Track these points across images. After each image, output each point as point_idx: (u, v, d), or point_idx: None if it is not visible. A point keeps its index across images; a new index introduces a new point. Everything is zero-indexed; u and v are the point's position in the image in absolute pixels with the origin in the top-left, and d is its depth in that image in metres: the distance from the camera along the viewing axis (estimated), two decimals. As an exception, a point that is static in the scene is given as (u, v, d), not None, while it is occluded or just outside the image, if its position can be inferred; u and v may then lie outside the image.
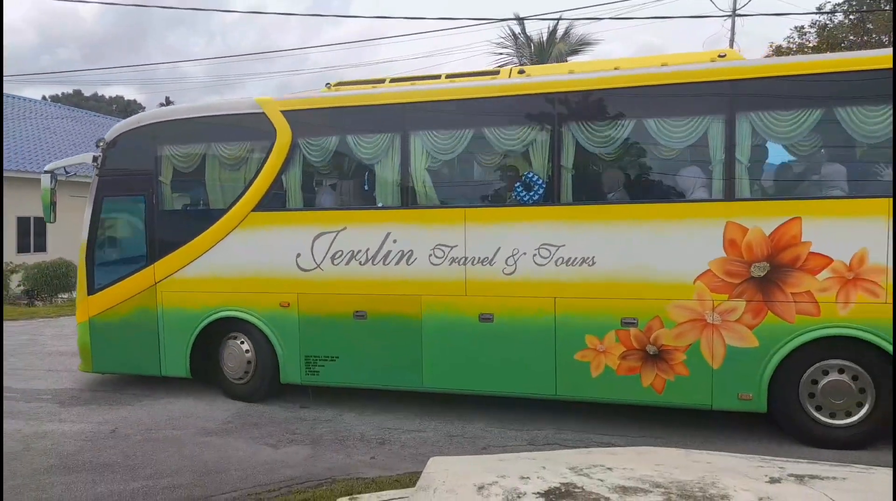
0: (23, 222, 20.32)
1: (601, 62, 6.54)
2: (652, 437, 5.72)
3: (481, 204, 6.65)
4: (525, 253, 6.08)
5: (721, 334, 5.63)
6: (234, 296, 7.00)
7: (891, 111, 5.18)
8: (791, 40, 19.21)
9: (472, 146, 6.45)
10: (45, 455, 5.25)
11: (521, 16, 16.17)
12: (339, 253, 6.65)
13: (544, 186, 6.13)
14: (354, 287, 6.61)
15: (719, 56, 6.06)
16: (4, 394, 6.98)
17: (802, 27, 18.82)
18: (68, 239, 21.58)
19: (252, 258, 6.92)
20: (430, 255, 6.36)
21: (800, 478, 2.72)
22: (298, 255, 6.76)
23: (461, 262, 6.28)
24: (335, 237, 6.66)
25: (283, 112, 6.83)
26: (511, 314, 6.16)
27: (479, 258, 6.23)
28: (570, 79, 6.18)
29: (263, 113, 6.88)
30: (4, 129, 22.30)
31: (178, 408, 6.56)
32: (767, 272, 5.49)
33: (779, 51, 18.94)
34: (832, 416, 5.46)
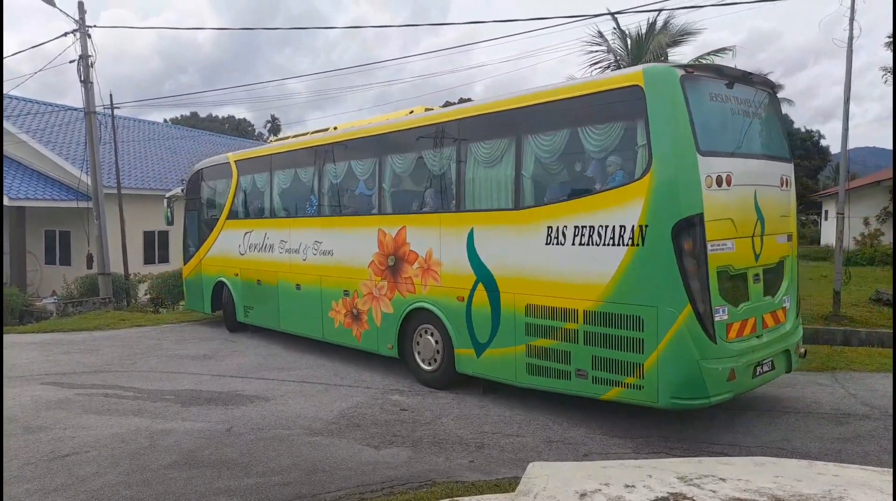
0: (148, 236, 22.05)
1: (352, 124, 9.49)
2: (771, 449, 5.34)
3: (296, 216, 10.08)
4: (309, 246, 9.45)
5: (379, 303, 8.25)
6: (222, 268, 11.70)
7: (426, 154, 7.65)
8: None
9: (294, 180, 10.04)
10: (169, 451, 5.60)
11: (614, 11, 15.65)
12: (252, 245, 10.82)
13: (316, 204, 9.49)
14: (256, 265, 10.73)
15: (409, 112, 8.43)
16: (134, 395, 7.59)
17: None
18: (188, 251, 23.16)
19: (226, 247, 11.53)
20: (279, 247, 10.11)
21: (946, 496, 2.44)
22: (239, 245, 11.12)
23: (289, 251, 9.88)
24: (249, 235, 10.89)
25: (234, 161, 11.38)
26: (307, 285, 9.57)
27: (294, 249, 9.78)
28: (318, 137, 9.59)
29: (228, 162, 11.48)
30: (133, 150, 24.34)
31: (288, 409, 6.83)
32: (394, 263, 7.96)
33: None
34: (425, 362, 7.74)
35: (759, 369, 5.74)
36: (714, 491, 2.89)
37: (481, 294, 6.85)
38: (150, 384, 8.10)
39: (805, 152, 50.87)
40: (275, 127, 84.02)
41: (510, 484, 4.55)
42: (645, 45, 16.29)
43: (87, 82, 15.85)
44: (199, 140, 31.25)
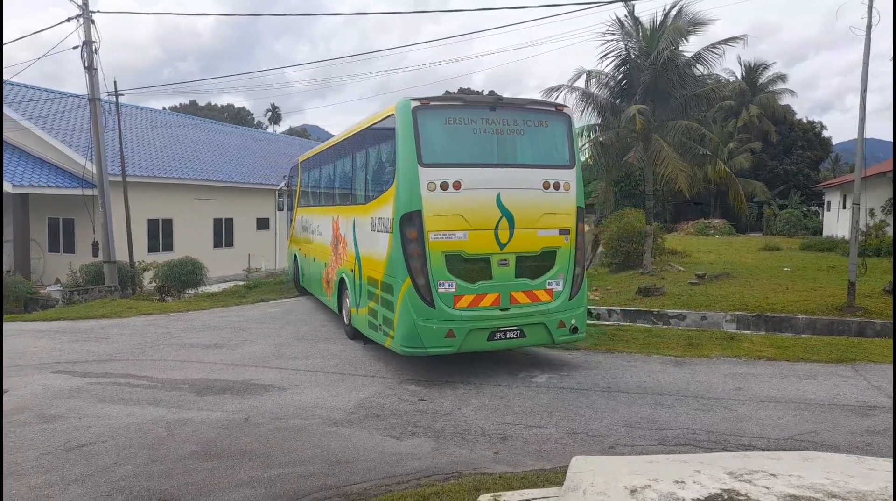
0: (152, 224, 21.94)
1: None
2: (800, 441, 5.28)
3: (314, 206, 12.95)
4: (317, 229, 12.19)
5: (332, 272, 10.70)
6: (296, 245, 15.01)
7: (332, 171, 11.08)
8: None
9: (315, 179, 12.97)
10: (188, 441, 5.54)
11: (626, -1, 15.44)
12: (303, 227, 13.83)
13: (320, 197, 12.41)
14: (304, 243, 13.71)
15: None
16: (148, 384, 7.53)
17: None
18: (192, 239, 23.06)
19: (297, 228, 14.66)
20: (310, 229, 12.98)
21: None
22: (299, 226, 14.33)
23: (312, 233, 12.75)
24: (303, 219, 13.92)
25: (300, 161, 14.53)
26: (316, 257, 12.41)
27: (313, 230, 12.62)
28: (321, 145, 12.62)
29: (297, 163, 14.85)
30: (135, 138, 24.16)
31: (304, 399, 6.77)
32: (336, 243, 10.30)
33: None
34: (346, 318, 9.82)
35: (498, 334, 7.27)
36: (767, 488, 2.82)
37: (357, 268, 8.95)
38: (162, 372, 8.03)
39: (807, 143, 50.57)
40: (275, 115, 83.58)
41: (538, 477, 4.49)
42: (658, 34, 16.12)
43: (91, 68, 15.69)
44: (202, 128, 31.03)
